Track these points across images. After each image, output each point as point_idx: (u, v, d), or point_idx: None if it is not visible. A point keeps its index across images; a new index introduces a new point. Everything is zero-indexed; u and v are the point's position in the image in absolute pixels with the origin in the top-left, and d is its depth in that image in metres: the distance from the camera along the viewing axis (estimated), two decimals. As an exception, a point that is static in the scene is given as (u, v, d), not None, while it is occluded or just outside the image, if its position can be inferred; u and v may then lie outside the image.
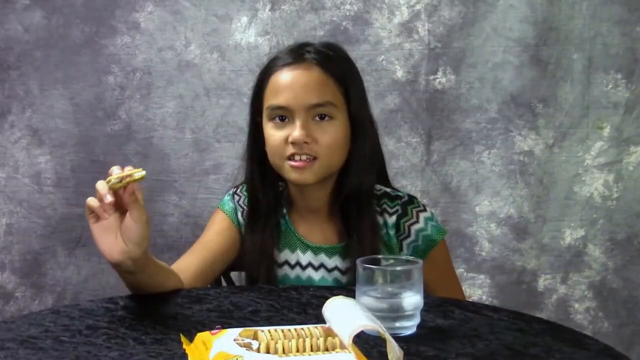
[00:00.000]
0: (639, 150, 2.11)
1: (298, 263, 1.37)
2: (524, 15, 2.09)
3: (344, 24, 2.16)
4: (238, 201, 1.41)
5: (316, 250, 1.37)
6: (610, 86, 2.10)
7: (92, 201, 1.06)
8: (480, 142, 2.15)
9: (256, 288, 1.23)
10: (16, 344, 0.94)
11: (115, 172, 1.04)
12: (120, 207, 1.07)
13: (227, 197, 1.43)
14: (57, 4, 2.26)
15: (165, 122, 2.26)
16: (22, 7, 2.28)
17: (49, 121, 2.30)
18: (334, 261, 1.35)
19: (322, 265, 1.36)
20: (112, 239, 1.05)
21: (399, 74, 2.14)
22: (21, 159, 2.33)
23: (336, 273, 1.35)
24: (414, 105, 2.15)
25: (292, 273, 1.37)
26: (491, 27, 2.11)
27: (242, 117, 2.20)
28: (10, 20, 2.29)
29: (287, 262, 1.38)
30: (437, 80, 2.14)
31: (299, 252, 1.37)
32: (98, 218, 1.06)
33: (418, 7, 2.13)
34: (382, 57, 2.14)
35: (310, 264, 1.37)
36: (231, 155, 2.23)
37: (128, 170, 1.05)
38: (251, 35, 2.20)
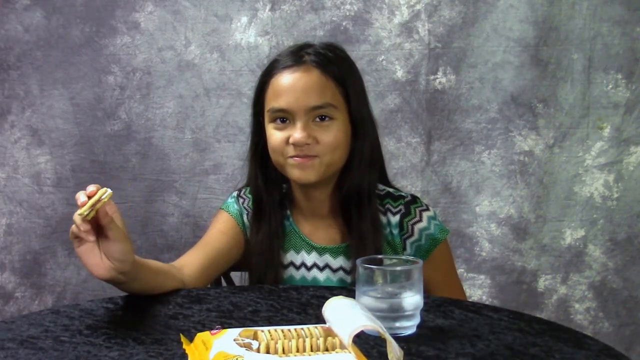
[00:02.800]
0: (639, 150, 2.11)
1: (303, 264, 1.38)
2: (524, 15, 2.09)
3: (344, 24, 2.16)
4: (243, 203, 1.41)
5: (321, 251, 1.37)
6: (610, 86, 2.10)
7: (74, 228, 1.05)
8: (480, 142, 2.15)
9: (256, 288, 1.23)
10: (16, 344, 0.94)
11: (82, 198, 1.02)
12: (98, 227, 1.05)
13: (231, 200, 1.43)
14: (57, 4, 2.26)
15: (165, 122, 2.26)
16: (22, 7, 2.28)
17: (49, 121, 2.30)
18: (338, 261, 1.36)
19: (327, 266, 1.37)
20: (98, 259, 1.05)
21: (399, 74, 2.14)
22: (21, 159, 2.33)
23: (341, 273, 1.36)
24: (414, 105, 2.15)
25: (298, 274, 1.38)
26: (491, 27, 2.11)
27: (242, 117, 2.21)
28: (10, 20, 2.29)
29: (292, 263, 1.38)
30: (437, 80, 2.14)
31: (304, 252, 1.38)
32: (81, 241, 1.05)
33: (418, 7, 2.13)
34: (382, 57, 2.14)
35: (315, 265, 1.37)
36: (231, 155, 2.23)
37: (92, 192, 1.02)
38: (251, 35, 2.20)
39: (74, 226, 1.04)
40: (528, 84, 2.11)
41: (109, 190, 1.03)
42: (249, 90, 2.20)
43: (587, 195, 2.13)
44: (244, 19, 2.20)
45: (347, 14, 2.16)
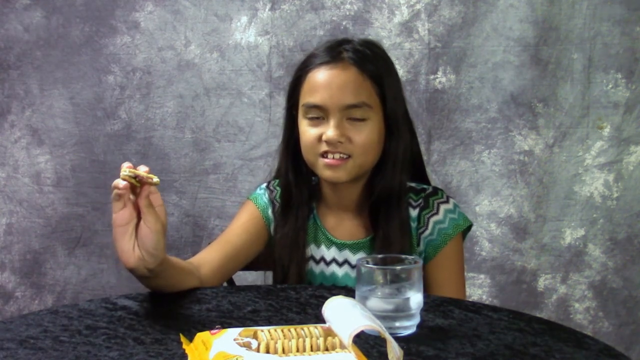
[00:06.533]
0: (639, 150, 2.11)
1: (322, 259, 1.38)
2: (524, 15, 2.09)
3: (344, 23, 2.16)
4: (270, 196, 1.41)
5: (340, 247, 1.37)
6: (610, 86, 2.10)
7: (115, 190, 1.05)
8: (480, 141, 2.15)
9: (255, 287, 1.23)
10: (15, 344, 0.94)
11: (126, 164, 1.04)
12: (139, 216, 1.05)
13: (260, 191, 1.43)
14: (57, 4, 2.26)
15: (165, 121, 2.26)
16: (22, 7, 2.28)
17: (49, 121, 2.30)
18: (358, 257, 1.35)
19: (346, 262, 1.37)
20: (130, 247, 1.05)
21: (399, 73, 2.13)
22: (21, 159, 2.33)
23: None
24: (414, 105, 2.15)
25: (317, 268, 1.38)
26: (491, 27, 2.11)
27: (242, 117, 2.21)
28: (10, 20, 2.29)
29: (312, 258, 1.39)
30: (437, 80, 2.14)
31: (323, 247, 1.38)
32: (120, 201, 1.04)
33: (418, 6, 2.13)
34: (382, 56, 2.14)
35: (334, 260, 1.37)
36: (231, 155, 2.23)
37: (144, 172, 1.04)
38: (251, 35, 2.20)
39: (115, 190, 1.04)
40: (528, 83, 2.11)
41: (157, 178, 1.04)
42: (249, 90, 2.21)
43: (587, 194, 2.13)
44: (244, 19, 2.20)
45: (347, 13, 2.16)
